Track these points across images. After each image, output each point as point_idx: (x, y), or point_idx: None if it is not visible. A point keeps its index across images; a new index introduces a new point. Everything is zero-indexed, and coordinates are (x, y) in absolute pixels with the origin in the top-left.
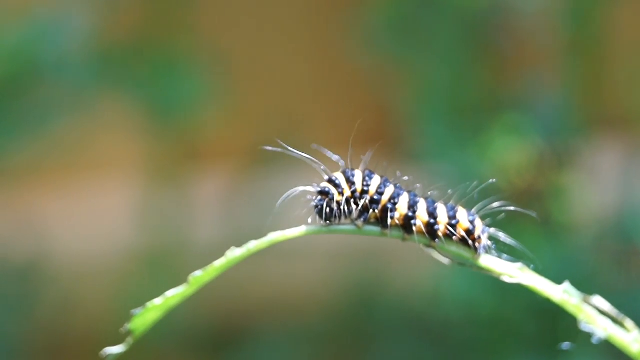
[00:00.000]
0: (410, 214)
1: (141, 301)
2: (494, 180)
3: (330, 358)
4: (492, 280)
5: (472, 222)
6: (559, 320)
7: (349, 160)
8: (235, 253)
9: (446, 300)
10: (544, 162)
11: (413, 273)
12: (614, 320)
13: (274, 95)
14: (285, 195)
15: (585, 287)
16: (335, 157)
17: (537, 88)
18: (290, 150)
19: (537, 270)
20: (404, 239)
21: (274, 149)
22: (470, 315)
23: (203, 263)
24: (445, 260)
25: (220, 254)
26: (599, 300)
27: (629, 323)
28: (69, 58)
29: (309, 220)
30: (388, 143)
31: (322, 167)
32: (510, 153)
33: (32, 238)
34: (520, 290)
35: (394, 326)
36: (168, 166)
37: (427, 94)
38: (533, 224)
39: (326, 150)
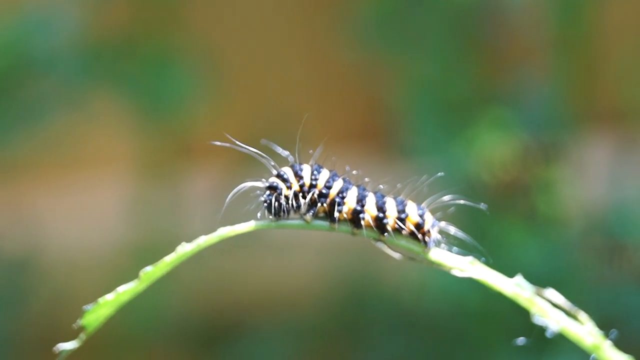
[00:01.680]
0: (358, 208)
1: (134, 297)
2: (442, 174)
3: (322, 351)
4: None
5: (421, 216)
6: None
7: (297, 156)
8: (185, 248)
9: (434, 294)
10: (531, 157)
11: (403, 267)
12: (568, 313)
13: (266, 92)
14: (234, 190)
15: (571, 282)
16: (284, 153)
17: (526, 83)
18: (240, 146)
19: (487, 263)
20: (353, 234)
21: (223, 144)
22: (458, 309)
23: (194, 258)
24: (395, 255)
25: (211, 249)
26: (552, 293)
27: (582, 316)
28: (60, 54)
29: (258, 215)
30: (379, 139)
31: (271, 163)
32: (497, 147)
33: (25, 233)
34: None
35: (385, 319)
36: (160, 162)
37: (417, 90)
38: (519, 218)
39: (276, 146)
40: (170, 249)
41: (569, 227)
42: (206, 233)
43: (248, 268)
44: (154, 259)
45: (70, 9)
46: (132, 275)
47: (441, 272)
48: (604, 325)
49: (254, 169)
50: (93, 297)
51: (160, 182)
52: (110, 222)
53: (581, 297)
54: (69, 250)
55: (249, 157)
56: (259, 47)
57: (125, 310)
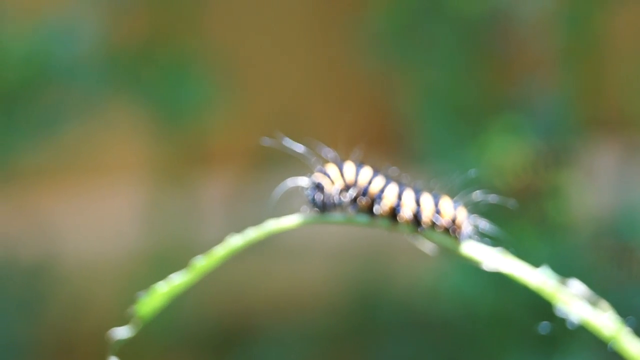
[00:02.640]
0: (397, 203)
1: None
2: (475, 171)
3: (334, 355)
4: (492, 277)
5: (455, 211)
6: (558, 317)
7: (339, 155)
8: (235, 241)
9: (447, 297)
10: (541, 162)
11: (415, 271)
12: (590, 304)
13: (280, 98)
14: (280, 188)
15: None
16: (327, 152)
17: (536, 90)
18: (288, 143)
19: (517, 255)
20: (391, 228)
21: (271, 142)
22: (470, 312)
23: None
24: (428, 248)
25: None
26: (575, 284)
27: (603, 305)
28: (79, 62)
29: (302, 211)
30: (391, 145)
31: (314, 160)
32: (508, 153)
33: (41, 239)
34: (519, 287)
35: (397, 323)
36: (175, 169)
37: (429, 97)
38: (530, 223)
39: (321, 144)
40: (185, 255)
41: (579, 232)
42: (221, 240)
43: (260, 273)
44: (169, 265)
45: (90, 19)
46: (147, 281)
47: (454, 275)
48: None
49: (269, 175)
50: (108, 303)
51: (176, 189)
52: (126, 229)
53: None
54: (85, 257)
55: (263, 163)
56: (273, 54)
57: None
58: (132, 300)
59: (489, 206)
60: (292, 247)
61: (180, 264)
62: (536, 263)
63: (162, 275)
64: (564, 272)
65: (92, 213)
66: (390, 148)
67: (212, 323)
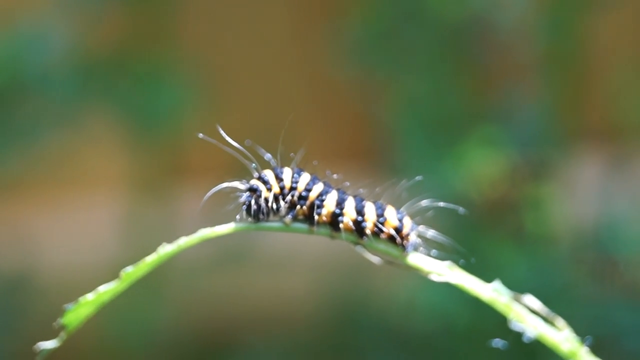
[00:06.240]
0: (337, 211)
1: (126, 314)
2: (421, 178)
3: None
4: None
5: (400, 220)
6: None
7: (278, 158)
8: (166, 249)
9: (424, 312)
10: (519, 174)
11: (395, 286)
12: (545, 319)
13: (258, 109)
14: (211, 191)
15: (562, 299)
16: (267, 156)
17: (516, 100)
18: (224, 142)
19: (467, 266)
20: (332, 237)
21: (207, 138)
22: (448, 328)
23: (187, 277)
24: (374, 259)
25: (204, 268)
26: (529, 299)
27: (559, 322)
28: (52, 71)
29: (237, 218)
30: (371, 157)
31: (252, 165)
32: (486, 164)
33: (19, 252)
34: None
35: (377, 337)
36: (153, 181)
37: (408, 107)
38: (508, 235)
39: (259, 148)
40: (163, 267)
41: (559, 245)
42: (198, 252)
43: (240, 286)
44: (147, 276)
45: (62, 26)
46: (126, 293)
47: (430, 290)
48: (596, 342)
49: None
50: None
51: (154, 200)
52: (103, 241)
53: (572, 315)
54: (62, 269)
55: (241, 176)
56: (250, 64)
57: (118, 327)
58: (110, 314)
59: (463, 218)
60: (272, 260)
61: (158, 276)
62: (513, 277)
63: (140, 286)
64: (543, 286)
65: (70, 225)
66: (368, 160)
67: (191, 335)
